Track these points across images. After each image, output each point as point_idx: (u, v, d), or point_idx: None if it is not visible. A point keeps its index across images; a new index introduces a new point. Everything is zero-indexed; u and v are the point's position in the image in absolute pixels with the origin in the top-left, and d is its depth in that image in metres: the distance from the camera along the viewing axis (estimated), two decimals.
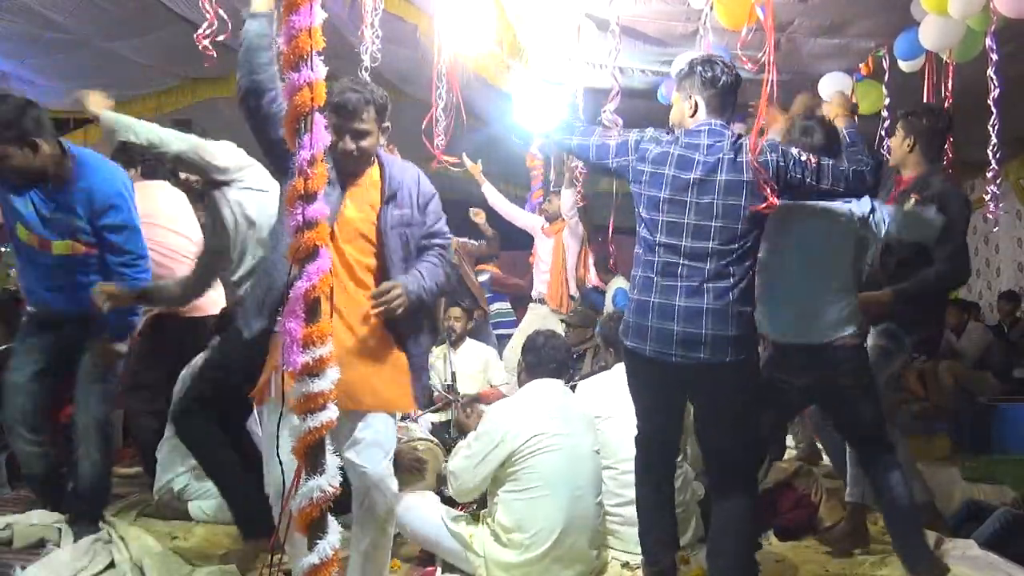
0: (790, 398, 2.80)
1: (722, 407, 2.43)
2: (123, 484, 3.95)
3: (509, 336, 5.64)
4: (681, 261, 2.33)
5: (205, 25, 2.55)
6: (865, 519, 3.14)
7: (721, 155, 2.35)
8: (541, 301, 5.36)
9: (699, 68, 2.46)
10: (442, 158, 2.90)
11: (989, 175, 3.51)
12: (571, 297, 5.27)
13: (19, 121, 2.69)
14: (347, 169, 2.25)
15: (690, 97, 2.46)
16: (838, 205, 2.61)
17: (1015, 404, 5.39)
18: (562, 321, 4.78)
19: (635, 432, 2.60)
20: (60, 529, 2.87)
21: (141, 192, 3.58)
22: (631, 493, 2.69)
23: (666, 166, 2.37)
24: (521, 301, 5.94)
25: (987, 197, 3.59)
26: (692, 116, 2.46)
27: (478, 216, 5.83)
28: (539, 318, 5.15)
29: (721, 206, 2.33)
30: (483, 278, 5.96)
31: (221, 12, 2.56)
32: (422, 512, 2.90)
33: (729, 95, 2.45)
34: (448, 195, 6.20)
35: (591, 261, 5.48)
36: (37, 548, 2.79)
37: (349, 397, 2.00)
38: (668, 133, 2.49)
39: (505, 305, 6.05)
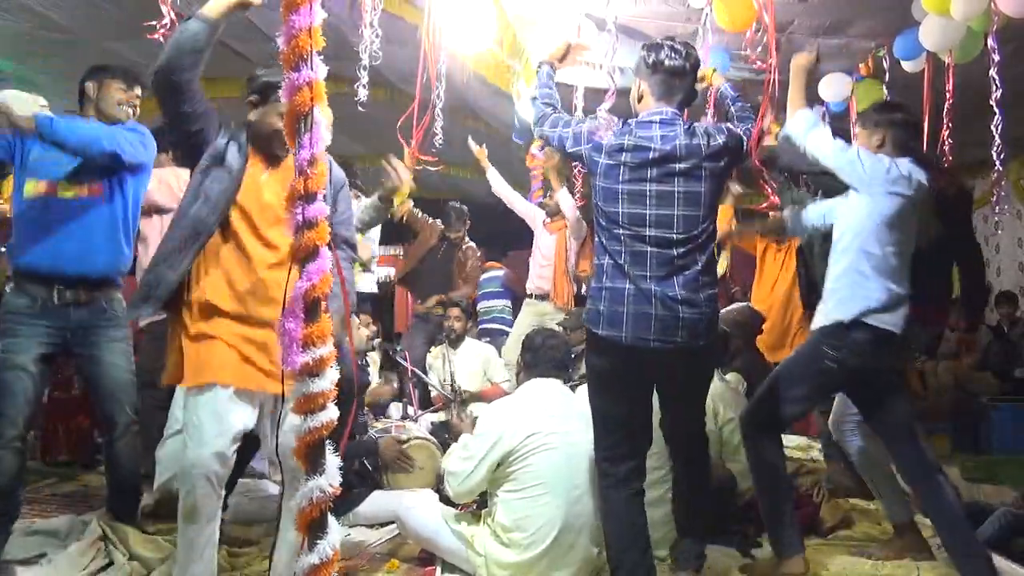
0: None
1: (693, 388, 2.51)
2: None
3: (502, 332, 5.65)
4: (648, 249, 2.33)
5: (163, 23, 2.57)
6: (917, 531, 3.01)
7: (677, 143, 2.34)
8: (539, 297, 5.30)
9: (643, 52, 2.45)
10: (417, 155, 2.91)
11: (993, 176, 3.50)
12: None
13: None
14: (273, 150, 2.30)
15: (637, 83, 2.47)
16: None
17: (1015, 404, 5.39)
18: (558, 324, 4.77)
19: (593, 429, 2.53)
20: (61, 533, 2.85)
21: (175, 178, 3.63)
22: None
23: (621, 156, 2.36)
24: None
25: (992, 199, 3.59)
26: (640, 102, 2.46)
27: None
28: (534, 314, 5.11)
29: (682, 195, 2.34)
30: (497, 274, 5.96)
31: (172, 15, 2.58)
32: (422, 512, 2.90)
33: (676, 79, 2.41)
34: (450, 195, 6.25)
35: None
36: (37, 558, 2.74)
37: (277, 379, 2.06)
38: (622, 120, 2.45)
39: (507, 303, 6.04)
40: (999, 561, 2.77)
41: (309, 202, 1.64)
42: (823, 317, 2.71)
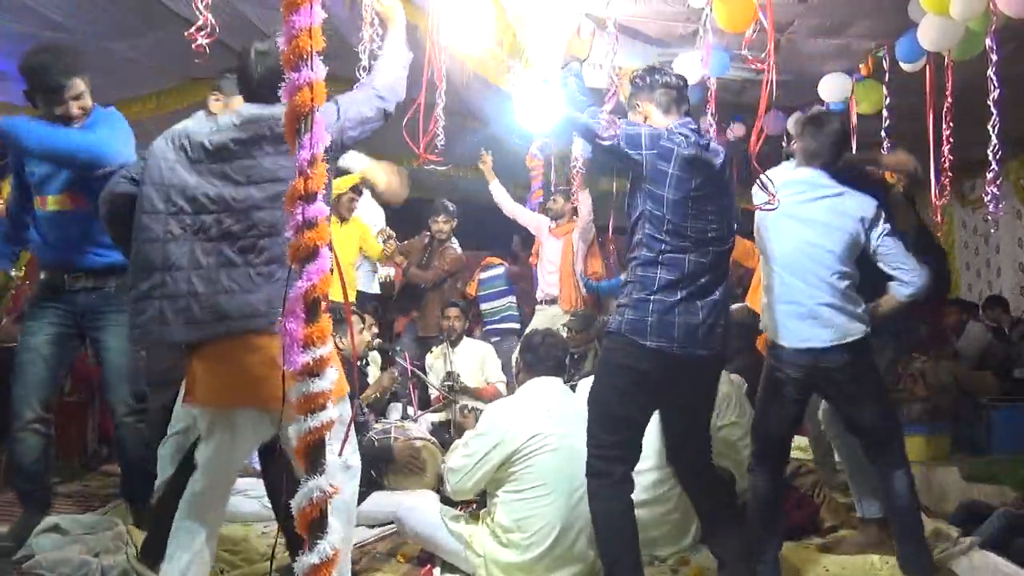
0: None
1: (711, 394, 2.56)
2: None
3: (512, 331, 5.64)
4: (708, 262, 2.38)
5: (198, 25, 2.54)
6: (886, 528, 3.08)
7: (723, 159, 2.42)
8: (549, 302, 5.33)
9: (638, 80, 2.52)
10: (426, 157, 2.91)
11: (989, 176, 3.50)
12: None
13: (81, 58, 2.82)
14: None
15: (638, 109, 2.50)
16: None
17: (1015, 404, 5.38)
18: (563, 325, 4.78)
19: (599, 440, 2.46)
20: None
21: None
22: None
23: (693, 172, 2.35)
24: (525, 298, 5.93)
25: (987, 198, 3.59)
26: (646, 123, 2.48)
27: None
28: (548, 319, 5.14)
29: (727, 209, 2.43)
30: (498, 271, 5.93)
31: (211, 17, 2.55)
32: (422, 512, 2.90)
33: (675, 92, 2.48)
34: (450, 196, 6.24)
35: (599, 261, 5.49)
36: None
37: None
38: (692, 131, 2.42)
39: (512, 299, 6.03)
40: (1000, 561, 2.77)
41: (309, 202, 1.64)
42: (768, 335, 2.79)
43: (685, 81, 2.53)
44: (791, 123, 3.49)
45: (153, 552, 2.69)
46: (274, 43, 2.06)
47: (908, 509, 2.72)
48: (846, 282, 2.66)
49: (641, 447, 2.49)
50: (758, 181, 2.48)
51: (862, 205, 2.70)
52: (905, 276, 2.71)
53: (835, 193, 2.71)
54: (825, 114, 2.98)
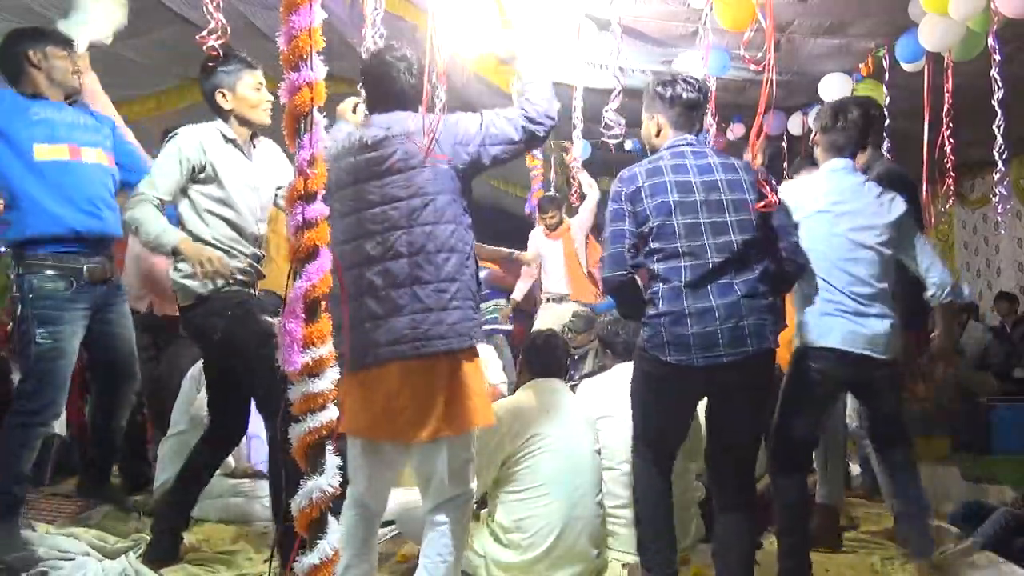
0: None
1: (758, 398, 2.42)
2: None
3: (497, 331, 5.68)
4: (710, 260, 2.29)
5: (210, 27, 2.55)
6: (836, 520, 3.14)
7: (709, 160, 2.38)
8: (556, 300, 5.38)
9: (658, 88, 2.46)
10: (438, 156, 2.91)
11: (995, 176, 3.49)
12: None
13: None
14: None
15: (653, 117, 2.48)
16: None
17: (1015, 404, 5.39)
18: (564, 326, 4.79)
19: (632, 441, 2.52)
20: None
21: None
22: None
23: (664, 177, 2.34)
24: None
25: (994, 199, 3.58)
26: (658, 136, 2.47)
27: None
28: (556, 316, 5.15)
29: (730, 202, 2.33)
30: (481, 274, 5.97)
31: (221, 17, 2.56)
32: (422, 512, 2.90)
33: (693, 111, 2.45)
34: None
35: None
36: None
37: None
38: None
39: (497, 302, 6.06)
40: (1000, 561, 2.78)
41: (309, 202, 1.64)
42: (799, 338, 2.66)
43: (706, 92, 2.50)
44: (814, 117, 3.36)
45: (157, 554, 2.71)
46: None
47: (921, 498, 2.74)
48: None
49: (678, 440, 2.49)
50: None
51: (897, 202, 2.64)
52: (935, 277, 2.64)
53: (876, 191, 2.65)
54: (849, 102, 2.86)
